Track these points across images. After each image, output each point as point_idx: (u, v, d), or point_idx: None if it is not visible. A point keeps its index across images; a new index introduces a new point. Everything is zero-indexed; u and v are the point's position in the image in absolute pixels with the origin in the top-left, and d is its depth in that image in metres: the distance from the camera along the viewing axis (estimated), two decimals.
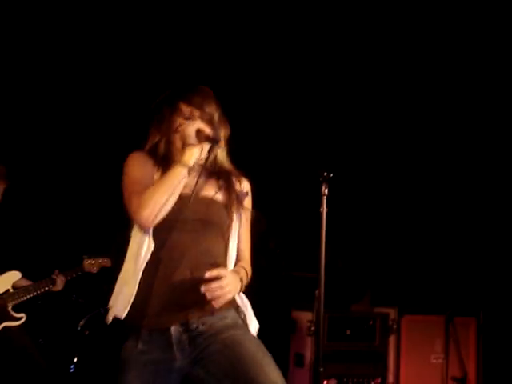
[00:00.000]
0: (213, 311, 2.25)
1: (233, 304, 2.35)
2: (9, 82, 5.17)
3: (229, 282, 2.19)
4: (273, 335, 5.46)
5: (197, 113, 2.39)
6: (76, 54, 5.04)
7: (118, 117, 5.32)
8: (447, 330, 5.09)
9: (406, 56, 4.83)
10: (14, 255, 4.46)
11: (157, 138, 2.44)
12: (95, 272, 4.41)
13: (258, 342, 2.31)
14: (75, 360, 4.42)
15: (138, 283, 2.25)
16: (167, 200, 2.22)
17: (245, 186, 2.55)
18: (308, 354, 4.97)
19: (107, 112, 5.40)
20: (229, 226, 2.42)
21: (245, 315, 2.40)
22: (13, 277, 4.21)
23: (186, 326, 2.24)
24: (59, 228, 5.50)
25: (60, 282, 4.29)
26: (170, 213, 2.25)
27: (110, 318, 2.32)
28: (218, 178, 2.47)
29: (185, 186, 2.30)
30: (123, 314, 2.26)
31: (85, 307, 4.72)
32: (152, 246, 2.27)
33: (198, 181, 2.29)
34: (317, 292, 3.18)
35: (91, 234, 5.43)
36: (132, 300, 2.24)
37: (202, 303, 2.21)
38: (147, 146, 2.45)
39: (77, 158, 5.55)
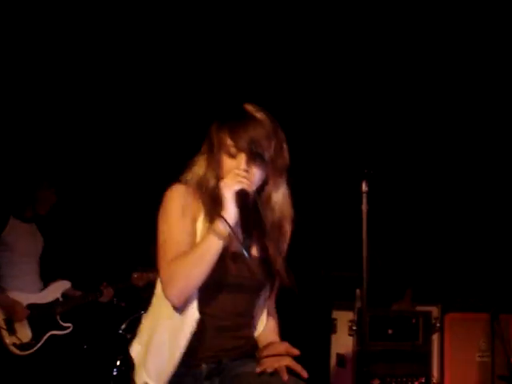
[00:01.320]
0: (245, 353, 2.25)
1: None
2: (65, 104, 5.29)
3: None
4: (313, 335, 5.45)
5: (242, 153, 2.11)
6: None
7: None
8: (492, 328, 4.99)
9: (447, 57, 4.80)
10: (65, 265, 4.55)
11: (203, 168, 2.20)
12: (142, 286, 4.44)
13: None
14: (118, 363, 4.44)
15: (178, 359, 2.11)
16: (198, 276, 2.06)
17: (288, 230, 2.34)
18: (349, 354, 4.92)
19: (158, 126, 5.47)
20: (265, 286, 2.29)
21: None
22: (63, 286, 4.32)
23: (217, 364, 2.21)
24: (109, 239, 5.56)
25: (107, 294, 4.39)
26: (215, 274, 2.11)
27: (139, 382, 2.17)
28: (264, 231, 2.22)
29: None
30: None
31: (126, 310, 4.75)
32: (197, 317, 2.13)
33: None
34: (358, 291, 3.14)
35: (140, 247, 5.47)
36: (167, 377, 2.12)
37: (235, 348, 2.22)
38: (193, 175, 2.21)
39: (126, 169, 5.62)
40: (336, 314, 5.13)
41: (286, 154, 2.24)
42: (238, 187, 2.05)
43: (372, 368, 4.73)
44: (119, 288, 4.43)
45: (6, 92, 5.11)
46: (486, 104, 5.02)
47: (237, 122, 2.16)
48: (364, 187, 2.79)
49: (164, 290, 2.10)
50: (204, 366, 2.19)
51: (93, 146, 5.63)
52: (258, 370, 2.12)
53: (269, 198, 2.22)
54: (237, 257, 2.18)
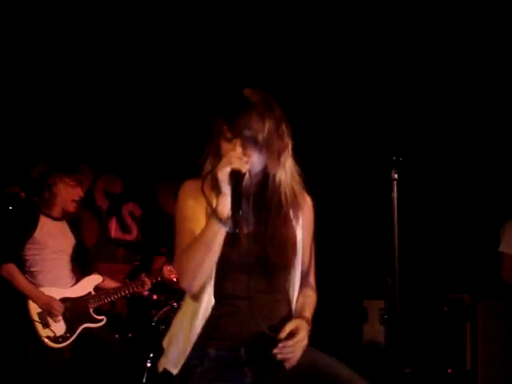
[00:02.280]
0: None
1: None
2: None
3: (301, 338, 2.13)
4: (345, 324, 5.45)
5: (238, 137, 2.15)
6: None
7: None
8: None
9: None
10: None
11: (209, 157, 2.27)
12: (175, 279, 4.46)
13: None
14: (151, 355, 4.49)
15: (193, 342, 2.18)
16: (206, 261, 2.11)
17: (306, 204, 2.36)
18: (381, 343, 4.92)
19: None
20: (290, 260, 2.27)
21: None
22: (94, 280, 4.34)
23: (255, 348, 2.20)
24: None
25: (143, 284, 4.40)
26: (225, 256, 2.15)
27: (160, 368, 2.25)
28: (270, 208, 2.25)
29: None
30: (174, 372, 2.20)
31: (158, 303, 4.79)
32: (212, 301, 2.19)
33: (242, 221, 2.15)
34: (389, 279, 3.12)
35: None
36: (184, 359, 2.18)
37: (272, 330, 2.17)
38: (204, 170, 2.26)
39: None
40: (367, 303, 5.14)
41: (284, 134, 2.24)
42: (229, 167, 2.08)
43: (404, 356, 4.74)
44: (153, 282, 4.46)
45: (27, 87, 5.18)
46: None
47: (231, 107, 2.21)
48: (394, 175, 2.76)
49: (179, 279, 2.19)
50: (243, 349, 2.20)
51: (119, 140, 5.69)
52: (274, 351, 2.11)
53: (273, 178, 2.24)
54: (248, 237, 2.20)
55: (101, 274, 4.42)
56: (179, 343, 2.21)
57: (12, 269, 4.06)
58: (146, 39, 5.02)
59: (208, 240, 2.10)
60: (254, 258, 2.18)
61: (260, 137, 2.16)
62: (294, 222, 2.29)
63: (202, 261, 2.11)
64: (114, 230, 6.19)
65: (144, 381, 4.44)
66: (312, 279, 2.42)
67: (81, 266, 4.35)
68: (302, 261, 2.33)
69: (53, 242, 4.21)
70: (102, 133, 5.73)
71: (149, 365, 4.46)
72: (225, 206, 2.10)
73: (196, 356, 2.21)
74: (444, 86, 5.01)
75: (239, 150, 2.13)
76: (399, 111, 4.98)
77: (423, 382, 4.90)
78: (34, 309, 4.04)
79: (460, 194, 5.33)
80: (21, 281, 4.07)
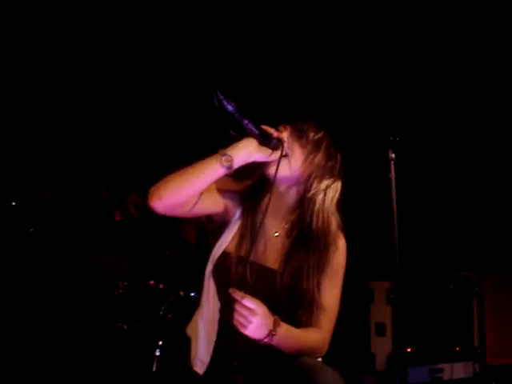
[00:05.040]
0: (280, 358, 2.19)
1: None
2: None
3: (257, 321, 2.00)
4: (352, 306, 5.46)
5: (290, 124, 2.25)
6: None
7: None
8: None
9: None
10: None
11: None
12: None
13: None
14: (160, 343, 4.50)
15: (213, 344, 2.21)
16: (186, 181, 2.05)
17: (337, 249, 2.39)
18: (389, 323, 4.92)
19: None
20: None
21: None
22: None
23: (249, 360, 2.23)
24: None
25: None
26: (228, 274, 2.18)
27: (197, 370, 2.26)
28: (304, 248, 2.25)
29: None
30: (201, 372, 2.23)
31: (164, 292, 4.81)
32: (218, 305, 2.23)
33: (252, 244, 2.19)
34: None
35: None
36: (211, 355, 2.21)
37: (268, 352, 2.16)
38: None
39: None
40: (373, 284, 5.14)
41: (334, 158, 2.31)
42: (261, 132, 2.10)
43: (412, 335, 4.76)
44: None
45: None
46: None
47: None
48: (391, 155, 2.76)
49: (151, 191, 2.08)
50: (236, 362, 2.21)
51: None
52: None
53: (309, 200, 2.25)
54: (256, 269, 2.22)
55: None
56: (201, 348, 2.23)
57: None
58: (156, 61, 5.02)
59: (201, 167, 2.06)
60: (262, 296, 2.08)
61: (311, 134, 2.21)
62: (315, 266, 2.28)
63: (182, 180, 2.05)
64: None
65: (154, 370, 4.46)
66: (325, 322, 2.29)
67: None
68: (320, 297, 2.29)
69: None
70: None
71: (158, 354, 4.48)
72: (237, 147, 2.08)
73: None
74: (440, 66, 4.99)
75: (284, 132, 2.18)
76: (396, 91, 4.96)
77: (431, 361, 4.91)
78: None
79: (460, 172, 5.32)
80: None
